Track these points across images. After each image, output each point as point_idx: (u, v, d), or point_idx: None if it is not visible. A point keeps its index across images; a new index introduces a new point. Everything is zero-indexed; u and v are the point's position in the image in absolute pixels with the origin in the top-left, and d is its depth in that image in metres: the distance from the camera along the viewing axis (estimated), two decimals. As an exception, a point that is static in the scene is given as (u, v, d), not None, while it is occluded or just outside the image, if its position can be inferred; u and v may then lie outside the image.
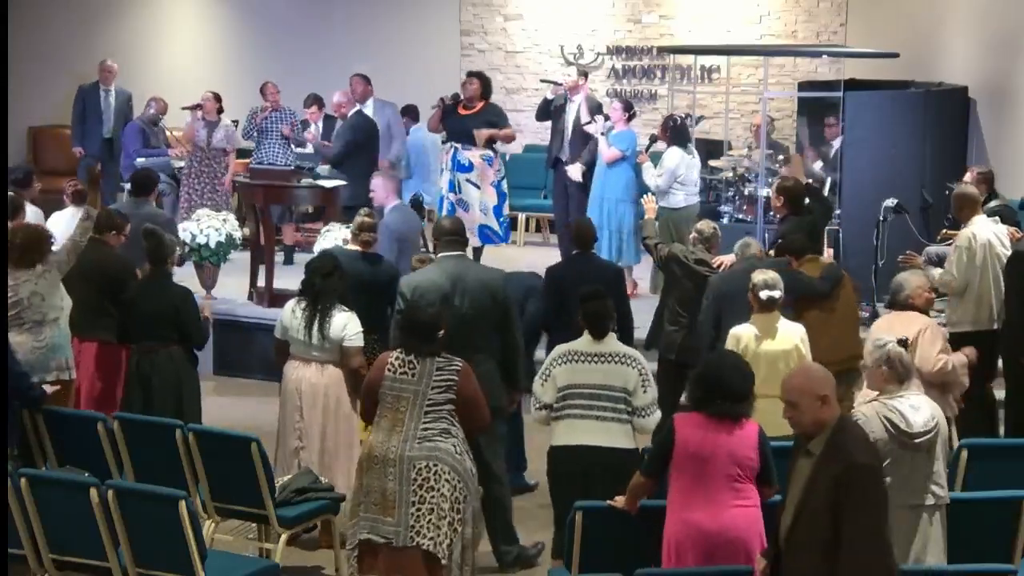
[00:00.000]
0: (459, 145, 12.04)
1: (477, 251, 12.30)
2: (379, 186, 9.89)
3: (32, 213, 9.81)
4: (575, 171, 12.00)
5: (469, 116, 12.01)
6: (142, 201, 10.24)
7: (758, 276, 7.55)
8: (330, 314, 7.56)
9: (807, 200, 9.64)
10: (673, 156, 11.65)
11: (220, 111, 13.43)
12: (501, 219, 12.19)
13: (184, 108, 13.57)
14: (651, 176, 11.63)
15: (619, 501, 6.04)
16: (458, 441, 6.44)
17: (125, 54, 15.62)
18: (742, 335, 7.49)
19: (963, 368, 7.67)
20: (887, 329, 7.65)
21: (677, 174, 11.57)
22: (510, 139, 12.34)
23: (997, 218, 9.39)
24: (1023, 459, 7.08)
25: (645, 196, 10.04)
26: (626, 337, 8.37)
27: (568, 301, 7.76)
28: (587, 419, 6.69)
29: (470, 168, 12.03)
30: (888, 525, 4.97)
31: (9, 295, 7.79)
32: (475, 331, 7.25)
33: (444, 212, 12.09)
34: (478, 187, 12.05)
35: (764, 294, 7.48)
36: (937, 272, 9.30)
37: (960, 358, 7.66)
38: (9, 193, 9.43)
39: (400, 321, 6.86)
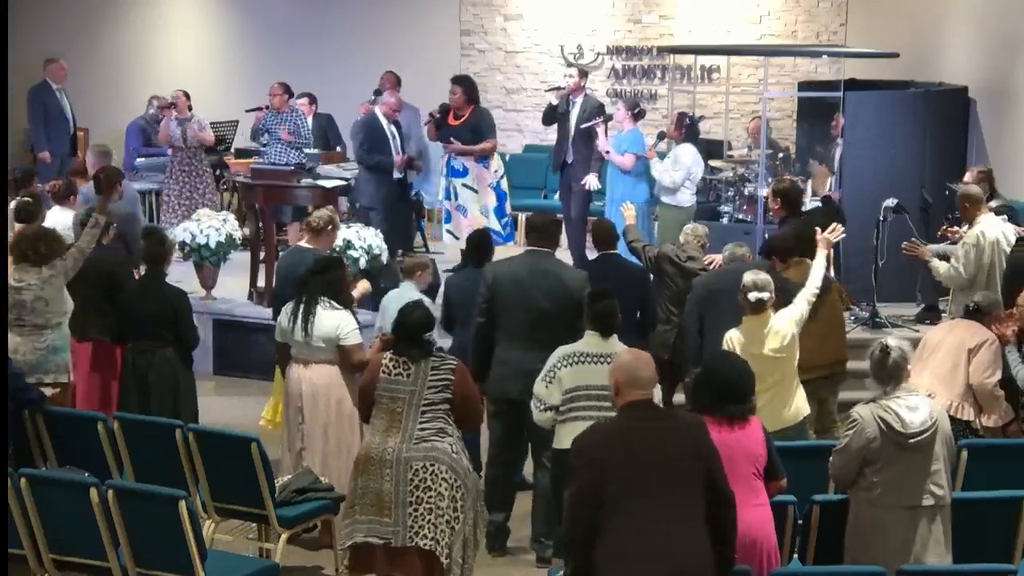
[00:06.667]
0: (453, 153, 12.11)
1: None
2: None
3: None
4: (592, 181, 12.05)
5: (459, 126, 12.08)
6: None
7: (748, 277, 7.40)
8: (314, 311, 7.56)
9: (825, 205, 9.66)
10: (689, 153, 11.65)
11: (189, 108, 13.51)
12: (503, 219, 12.21)
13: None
14: (663, 172, 11.59)
15: None
16: (454, 440, 6.46)
17: (125, 54, 15.63)
18: (735, 337, 7.39)
19: (1004, 409, 7.71)
20: (946, 332, 7.85)
21: (691, 171, 11.59)
22: (487, 151, 12.27)
23: (1005, 216, 9.43)
24: (1023, 459, 7.09)
25: (624, 204, 10.03)
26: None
27: None
28: (595, 421, 6.66)
29: (465, 173, 12.09)
30: (588, 505, 5.00)
31: (12, 295, 7.79)
32: (549, 324, 7.36)
33: (443, 220, 12.20)
34: (475, 191, 12.10)
35: (753, 296, 7.32)
36: (943, 267, 9.33)
37: (1008, 408, 7.73)
38: (27, 198, 9.44)
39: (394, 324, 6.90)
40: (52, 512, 6.40)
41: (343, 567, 6.59)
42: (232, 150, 15.22)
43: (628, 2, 16.19)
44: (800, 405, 7.44)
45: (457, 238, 12.20)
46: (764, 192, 11.40)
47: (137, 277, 8.64)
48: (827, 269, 8.10)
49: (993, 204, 9.75)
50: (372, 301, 9.65)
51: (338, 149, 13.94)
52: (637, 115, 12.22)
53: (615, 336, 6.87)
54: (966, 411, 7.63)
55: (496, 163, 12.33)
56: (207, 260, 11.53)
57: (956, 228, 9.99)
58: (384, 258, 11.09)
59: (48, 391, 7.72)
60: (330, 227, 8.67)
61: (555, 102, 12.40)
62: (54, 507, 6.39)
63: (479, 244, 8.73)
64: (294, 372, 7.69)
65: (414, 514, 6.34)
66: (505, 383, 7.44)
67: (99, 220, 8.26)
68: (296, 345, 7.65)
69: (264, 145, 13.17)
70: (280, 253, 12.06)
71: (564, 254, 12.83)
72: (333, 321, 7.56)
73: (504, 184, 12.30)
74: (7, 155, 13.53)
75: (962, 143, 12.52)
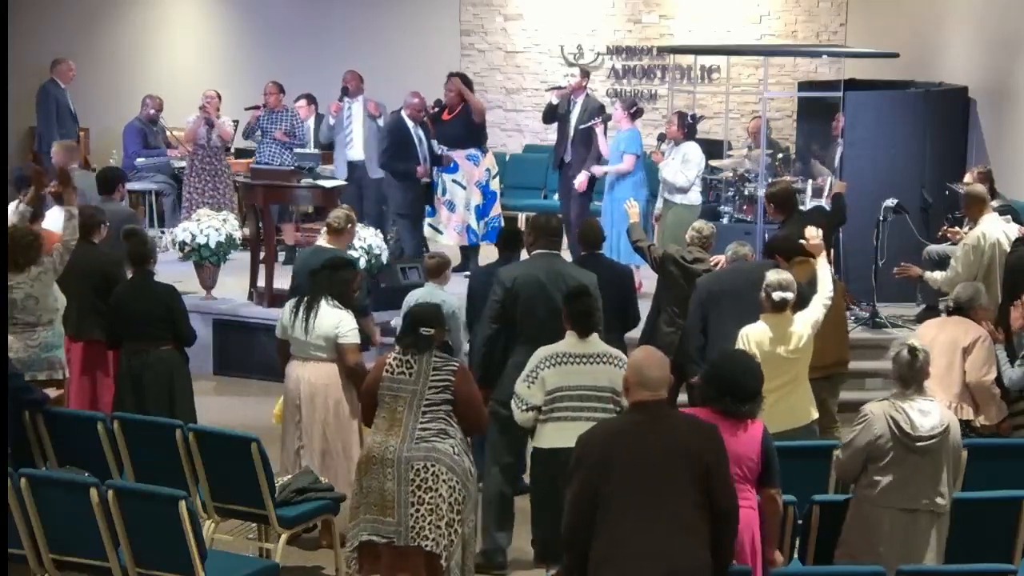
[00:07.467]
0: (445, 148, 12.21)
1: (466, 250, 12.33)
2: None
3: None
4: (581, 181, 12.02)
5: (452, 120, 12.22)
6: (106, 199, 10.17)
7: (772, 276, 7.38)
8: (316, 309, 7.56)
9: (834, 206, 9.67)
10: (696, 150, 11.64)
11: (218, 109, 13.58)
12: (485, 219, 12.16)
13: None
14: (675, 173, 11.54)
15: None
16: (456, 441, 6.45)
17: (125, 54, 15.63)
18: (752, 335, 7.35)
19: (999, 407, 7.71)
20: (937, 330, 7.78)
21: (700, 169, 11.60)
22: (479, 106, 12.41)
23: (1009, 216, 9.43)
24: (1023, 459, 7.09)
25: (628, 201, 9.99)
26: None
27: None
28: (578, 420, 6.59)
29: (455, 169, 12.18)
30: (585, 504, 5.02)
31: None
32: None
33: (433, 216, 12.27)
34: (464, 187, 12.14)
35: (777, 295, 7.28)
36: (939, 275, 9.33)
37: (1003, 406, 7.73)
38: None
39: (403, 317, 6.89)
40: (52, 512, 6.40)
41: (351, 568, 6.58)
42: (232, 150, 15.22)
43: (628, 2, 16.20)
44: (810, 408, 7.44)
45: (440, 232, 12.24)
46: (763, 192, 11.42)
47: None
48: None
49: (995, 204, 9.76)
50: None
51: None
52: (634, 114, 12.21)
53: (595, 335, 6.83)
54: (965, 410, 7.63)
55: (488, 162, 12.34)
56: (207, 260, 11.53)
57: (957, 228, 9.99)
58: (384, 258, 11.09)
59: (52, 392, 7.70)
60: (349, 225, 8.75)
61: (555, 101, 12.40)
62: (54, 507, 6.39)
63: (512, 234, 8.66)
64: (293, 370, 7.69)
65: (415, 515, 6.34)
66: None
67: (72, 212, 8.24)
68: (295, 342, 7.64)
69: (258, 144, 13.20)
70: (279, 252, 12.13)
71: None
72: (333, 319, 7.55)
73: (494, 185, 12.29)
74: (7, 155, 13.52)
75: (962, 143, 12.52)
